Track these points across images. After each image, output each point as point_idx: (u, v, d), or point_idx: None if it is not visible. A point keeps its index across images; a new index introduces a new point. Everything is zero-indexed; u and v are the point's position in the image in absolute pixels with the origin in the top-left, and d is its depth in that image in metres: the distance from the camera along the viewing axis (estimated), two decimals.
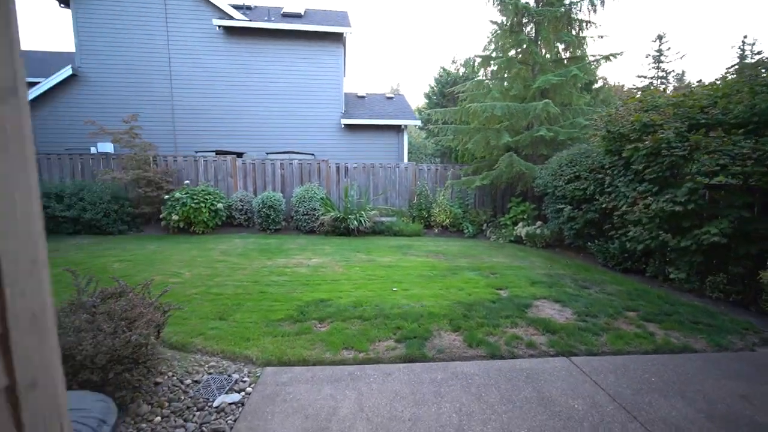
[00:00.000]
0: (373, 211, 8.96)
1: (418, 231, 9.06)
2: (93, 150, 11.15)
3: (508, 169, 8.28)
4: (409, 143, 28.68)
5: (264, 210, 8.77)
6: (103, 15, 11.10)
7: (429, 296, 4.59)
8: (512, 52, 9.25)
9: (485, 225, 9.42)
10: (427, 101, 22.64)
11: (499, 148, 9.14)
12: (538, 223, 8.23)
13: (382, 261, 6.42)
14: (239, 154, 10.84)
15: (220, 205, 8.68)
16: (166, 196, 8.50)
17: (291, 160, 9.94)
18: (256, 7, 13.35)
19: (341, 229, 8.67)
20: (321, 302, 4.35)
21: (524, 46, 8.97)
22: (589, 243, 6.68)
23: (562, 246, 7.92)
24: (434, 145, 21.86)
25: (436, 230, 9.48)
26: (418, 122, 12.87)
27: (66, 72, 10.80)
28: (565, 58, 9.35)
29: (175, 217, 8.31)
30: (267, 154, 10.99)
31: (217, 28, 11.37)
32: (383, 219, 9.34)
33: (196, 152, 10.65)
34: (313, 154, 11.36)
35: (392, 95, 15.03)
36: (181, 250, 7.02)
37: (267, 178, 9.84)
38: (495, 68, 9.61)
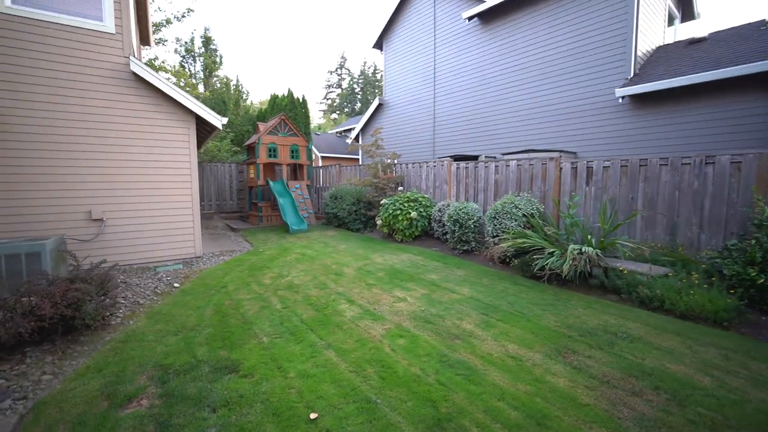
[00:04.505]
0: (591, 248, 4.71)
1: (715, 310, 3.78)
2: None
3: None
4: None
5: (450, 225, 7.05)
6: (399, 49, 13.13)
7: None
8: None
9: None
10: None
11: None
12: None
13: (492, 375, 3.24)
14: (474, 158, 9.35)
15: (414, 214, 7.91)
16: (381, 202, 8.85)
17: (508, 161, 7.26)
18: None
19: (531, 269, 5.31)
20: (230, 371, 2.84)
21: None
22: None
23: None
24: None
25: None
26: None
27: (376, 103, 13.91)
28: None
29: (378, 222, 8.51)
30: (503, 154, 8.71)
31: (467, 21, 10.19)
32: (628, 266, 4.74)
33: (440, 157, 10.29)
34: (560, 151, 7.67)
35: None
36: (343, 254, 7.06)
37: (479, 185, 7.79)
38: None
